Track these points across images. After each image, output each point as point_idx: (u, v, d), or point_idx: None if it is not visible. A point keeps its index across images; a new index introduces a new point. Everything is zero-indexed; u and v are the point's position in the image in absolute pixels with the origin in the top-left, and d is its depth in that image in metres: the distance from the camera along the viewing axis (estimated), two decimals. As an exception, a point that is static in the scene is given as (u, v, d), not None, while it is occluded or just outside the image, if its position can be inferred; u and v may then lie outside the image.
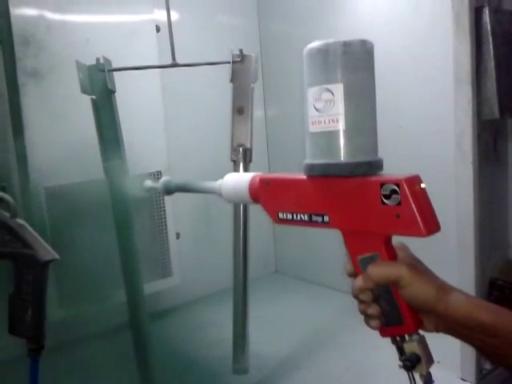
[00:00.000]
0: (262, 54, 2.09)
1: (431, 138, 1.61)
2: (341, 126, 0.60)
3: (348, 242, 0.64)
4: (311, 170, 0.64)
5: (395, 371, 1.50)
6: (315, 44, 0.61)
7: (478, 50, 1.29)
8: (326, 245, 2.11)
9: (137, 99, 1.67)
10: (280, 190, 0.70)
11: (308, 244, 2.20)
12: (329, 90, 0.61)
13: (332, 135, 0.61)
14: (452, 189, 1.35)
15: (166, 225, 1.89)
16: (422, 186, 0.60)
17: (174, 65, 1.24)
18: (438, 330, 0.63)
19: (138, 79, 1.61)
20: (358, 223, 0.61)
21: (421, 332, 0.63)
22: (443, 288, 0.61)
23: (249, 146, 1.30)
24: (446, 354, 1.52)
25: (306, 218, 0.66)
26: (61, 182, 1.61)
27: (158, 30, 1.78)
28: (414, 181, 0.59)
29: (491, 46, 1.29)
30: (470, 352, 1.35)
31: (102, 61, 1.23)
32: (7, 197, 0.69)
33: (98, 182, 1.65)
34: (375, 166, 0.62)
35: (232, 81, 1.29)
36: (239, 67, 1.26)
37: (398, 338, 0.63)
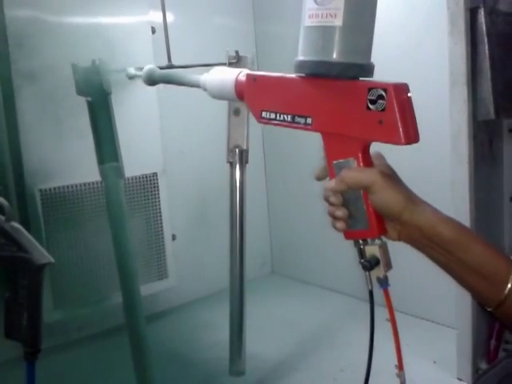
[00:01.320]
0: (257, 56, 2.09)
1: (426, 137, 1.61)
2: (338, 22, 0.58)
3: (326, 146, 0.65)
4: (300, 67, 0.62)
5: (391, 373, 1.50)
6: None
7: (474, 50, 1.29)
8: (324, 246, 2.12)
9: (132, 101, 1.66)
10: (266, 87, 0.69)
11: (305, 245, 2.20)
12: None
13: (327, 31, 0.59)
14: (447, 189, 1.35)
15: (161, 226, 1.88)
16: (409, 95, 0.59)
17: (170, 66, 1.24)
18: (400, 239, 0.65)
19: (133, 81, 1.61)
20: (340, 127, 0.61)
21: (383, 239, 0.66)
22: (413, 199, 0.63)
23: (245, 147, 1.30)
24: (442, 354, 1.53)
25: (289, 119, 0.66)
26: (56, 184, 1.60)
27: (153, 31, 1.77)
28: (402, 88, 0.59)
29: (486, 47, 1.29)
30: (466, 351, 1.36)
31: (97, 62, 1.23)
32: (2, 200, 0.68)
33: (93, 184, 1.66)
34: (366, 70, 0.61)
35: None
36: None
37: (360, 242, 0.65)
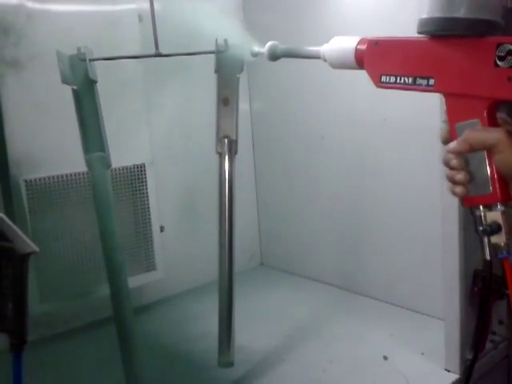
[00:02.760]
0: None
1: (416, 132, 1.61)
2: None
3: (449, 108, 0.63)
4: (426, 24, 0.61)
5: (379, 363, 1.50)
6: None
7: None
8: (312, 237, 2.12)
9: (118, 89, 1.64)
10: (388, 50, 0.68)
11: (294, 236, 2.20)
12: None
13: None
14: (437, 182, 1.35)
15: (149, 218, 1.86)
16: None
17: (158, 54, 1.22)
18: None
19: (119, 69, 1.58)
20: (466, 87, 0.59)
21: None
22: None
23: (234, 137, 1.29)
24: (429, 345, 1.54)
25: (410, 81, 0.65)
26: (41, 175, 1.58)
27: (140, 19, 1.75)
28: None
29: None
30: (454, 342, 1.36)
31: (83, 50, 1.20)
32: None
33: (80, 174, 1.64)
34: (495, 26, 0.59)
35: (217, 71, 1.27)
36: (224, 57, 1.24)
37: (481, 208, 0.62)
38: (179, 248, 2.05)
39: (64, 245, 1.64)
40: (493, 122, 0.61)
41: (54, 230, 1.62)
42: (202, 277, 2.11)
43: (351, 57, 0.72)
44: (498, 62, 0.56)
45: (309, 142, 2.02)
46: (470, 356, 1.39)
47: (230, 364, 1.32)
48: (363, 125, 1.80)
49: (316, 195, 2.07)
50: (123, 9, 1.69)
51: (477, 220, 0.63)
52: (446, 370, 1.40)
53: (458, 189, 0.62)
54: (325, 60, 0.78)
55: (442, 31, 0.60)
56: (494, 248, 0.62)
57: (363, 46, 0.71)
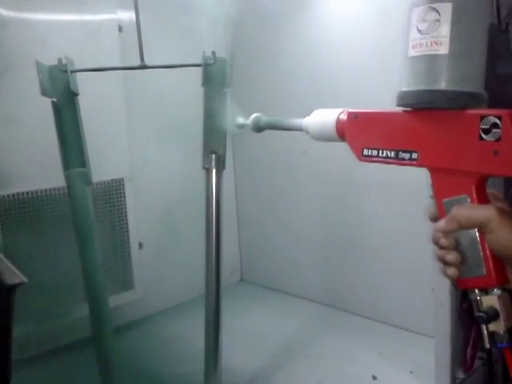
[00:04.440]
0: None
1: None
2: (444, 50, 0.55)
3: (435, 183, 0.60)
4: (405, 97, 0.59)
5: (369, 383, 1.46)
6: None
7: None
8: (295, 253, 2.08)
9: (97, 103, 1.58)
10: (368, 123, 0.67)
11: (275, 252, 2.16)
12: (435, 10, 0.56)
13: (433, 59, 0.56)
14: (424, 198, 1.33)
15: (127, 234, 1.80)
16: None
17: (143, 66, 1.17)
18: None
19: (98, 81, 1.52)
20: (451, 161, 0.57)
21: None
22: None
23: (222, 152, 1.25)
24: (417, 363, 1.51)
25: (393, 155, 0.63)
26: (13, 191, 1.50)
27: (120, 29, 1.70)
28: None
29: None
30: (444, 360, 1.34)
31: (64, 61, 1.15)
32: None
33: (55, 190, 1.57)
34: (477, 98, 0.57)
35: (204, 84, 1.23)
36: (212, 70, 1.20)
37: (476, 292, 0.58)
38: (158, 265, 1.98)
39: (37, 263, 1.56)
40: (482, 198, 0.58)
41: (26, 247, 1.54)
42: (182, 295, 2.05)
43: (333, 130, 0.71)
44: (483, 135, 0.54)
45: (291, 156, 1.99)
46: (459, 374, 1.37)
47: (218, 388, 1.27)
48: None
49: (299, 210, 2.04)
50: (103, 19, 1.63)
51: (473, 304, 0.59)
52: (436, 388, 1.37)
53: (450, 270, 0.58)
54: (307, 132, 0.78)
55: (422, 104, 0.58)
56: (493, 336, 0.57)
57: (344, 119, 0.70)
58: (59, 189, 1.57)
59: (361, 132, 0.67)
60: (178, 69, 1.24)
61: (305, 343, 1.68)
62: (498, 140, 0.53)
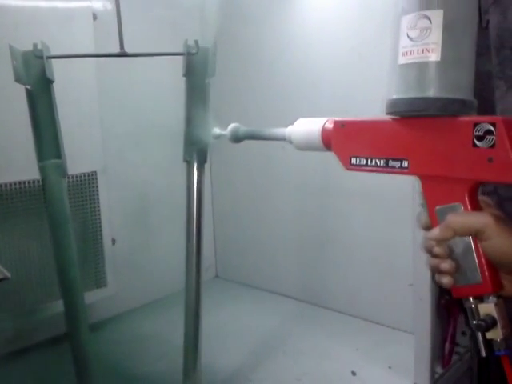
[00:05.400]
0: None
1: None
2: (435, 57, 0.55)
3: (427, 191, 0.59)
4: (395, 105, 0.58)
5: (348, 379, 1.46)
6: None
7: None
8: (270, 249, 2.06)
9: (69, 92, 1.52)
10: (355, 132, 0.65)
11: (251, 248, 2.14)
12: (426, 17, 0.55)
13: (424, 67, 0.56)
14: (405, 189, 1.33)
15: (100, 230, 1.74)
16: None
17: (123, 54, 1.13)
18: None
19: (71, 70, 1.46)
20: (443, 168, 0.57)
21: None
22: None
23: (204, 144, 1.21)
24: (395, 358, 1.52)
25: (382, 164, 0.62)
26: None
27: (94, 17, 1.64)
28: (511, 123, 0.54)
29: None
30: (424, 355, 1.35)
31: (40, 46, 1.09)
32: None
33: (27, 182, 1.50)
34: (469, 105, 0.56)
35: (185, 75, 1.19)
36: (195, 60, 1.17)
37: (471, 300, 0.58)
38: (131, 262, 1.93)
39: (9, 259, 1.49)
40: (475, 205, 0.58)
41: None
42: (157, 292, 2.01)
43: (318, 140, 0.70)
44: (477, 142, 0.54)
45: (269, 151, 1.97)
46: (438, 369, 1.38)
47: (197, 387, 1.24)
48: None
49: (275, 206, 2.02)
50: (77, 6, 1.57)
51: (468, 313, 0.58)
52: (415, 383, 1.38)
53: (445, 279, 0.58)
54: (290, 142, 0.76)
55: (414, 111, 0.58)
56: (490, 344, 0.56)
57: (330, 127, 0.69)
58: (32, 181, 1.51)
59: (348, 141, 0.66)
60: (156, 58, 1.20)
61: (282, 340, 1.67)
62: (492, 147, 0.53)
